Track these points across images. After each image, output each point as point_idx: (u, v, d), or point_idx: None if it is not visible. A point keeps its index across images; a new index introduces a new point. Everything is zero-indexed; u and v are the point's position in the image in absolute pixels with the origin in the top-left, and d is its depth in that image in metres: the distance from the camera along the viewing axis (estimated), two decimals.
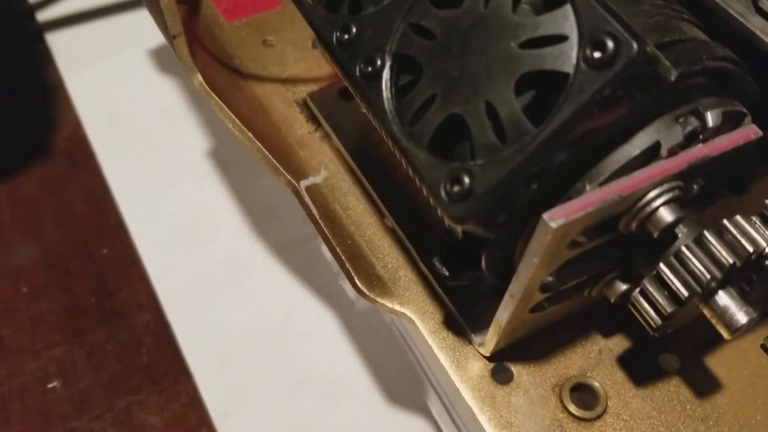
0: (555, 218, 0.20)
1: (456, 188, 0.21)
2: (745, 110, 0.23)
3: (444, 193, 0.21)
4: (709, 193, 0.25)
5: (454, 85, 0.22)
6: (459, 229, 0.24)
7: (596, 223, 0.21)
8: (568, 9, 0.20)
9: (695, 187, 0.24)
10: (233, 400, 0.37)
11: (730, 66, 0.22)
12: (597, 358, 0.28)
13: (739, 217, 0.23)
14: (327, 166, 0.33)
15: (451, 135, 0.22)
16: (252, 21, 0.40)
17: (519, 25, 0.21)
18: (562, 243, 0.21)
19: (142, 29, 0.49)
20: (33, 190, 0.42)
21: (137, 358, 0.37)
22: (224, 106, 0.33)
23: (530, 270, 0.22)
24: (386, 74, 0.23)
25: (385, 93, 0.23)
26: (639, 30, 0.20)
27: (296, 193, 0.32)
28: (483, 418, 0.26)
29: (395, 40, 0.23)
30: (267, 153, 0.32)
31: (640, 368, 0.28)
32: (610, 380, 0.27)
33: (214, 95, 0.33)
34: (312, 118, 0.35)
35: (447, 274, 0.25)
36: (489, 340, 0.26)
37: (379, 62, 0.24)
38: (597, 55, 0.19)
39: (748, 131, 0.23)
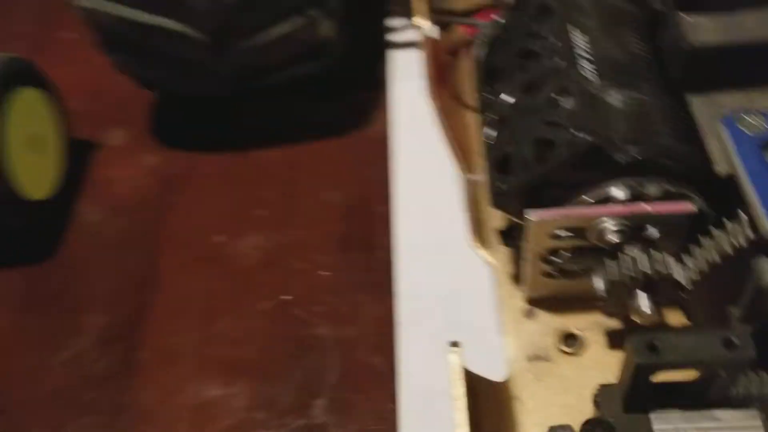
0: (533, 216, 0.38)
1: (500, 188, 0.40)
2: (692, 195, 0.37)
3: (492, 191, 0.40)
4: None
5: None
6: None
7: (569, 227, 0.38)
8: None
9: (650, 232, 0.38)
10: None
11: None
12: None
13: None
14: None
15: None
16: None
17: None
18: (542, 233, 0.38)
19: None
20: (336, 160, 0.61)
21: None
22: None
23: (528, 243, 0.39)
24: None
25: None
26: None
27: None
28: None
29: None
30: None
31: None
32: None
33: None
34: None
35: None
36: (523, 288, 0.44)
37: None
38: None
39: (686, 205, 0.37)
